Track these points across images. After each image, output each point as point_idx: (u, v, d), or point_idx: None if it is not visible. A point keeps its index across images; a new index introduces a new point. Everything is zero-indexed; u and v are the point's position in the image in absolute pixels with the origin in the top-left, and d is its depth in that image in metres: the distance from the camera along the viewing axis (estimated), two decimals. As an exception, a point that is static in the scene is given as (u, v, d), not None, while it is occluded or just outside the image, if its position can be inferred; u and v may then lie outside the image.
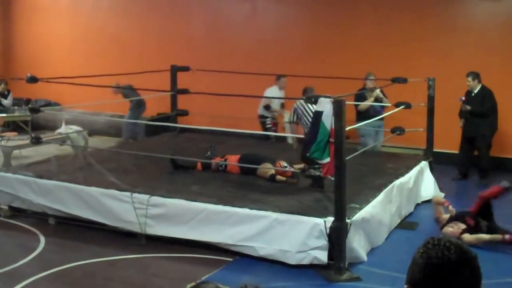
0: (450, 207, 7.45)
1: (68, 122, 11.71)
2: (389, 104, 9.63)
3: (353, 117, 9.48)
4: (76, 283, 5.94)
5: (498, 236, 6.75)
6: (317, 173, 7.43)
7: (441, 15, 11.22)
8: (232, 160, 8.24)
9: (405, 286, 1.74)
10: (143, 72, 10.52)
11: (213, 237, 6.54)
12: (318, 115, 6.61)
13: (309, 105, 7.46)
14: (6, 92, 13.34)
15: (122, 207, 6.96)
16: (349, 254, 6.15)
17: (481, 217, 7.14)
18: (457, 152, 10.21)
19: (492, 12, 10.95)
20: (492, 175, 9.88)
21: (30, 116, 12.43)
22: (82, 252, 6.57)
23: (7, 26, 15.52)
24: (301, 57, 12.03)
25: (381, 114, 9.67)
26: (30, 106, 11.18)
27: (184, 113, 10.84)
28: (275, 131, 10.67)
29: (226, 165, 8.21)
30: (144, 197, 6.91)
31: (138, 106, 12.05)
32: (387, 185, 7.57)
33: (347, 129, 6.41)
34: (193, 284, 1.69)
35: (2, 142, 10.80)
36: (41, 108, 9.35)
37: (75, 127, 11.42)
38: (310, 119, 7.27)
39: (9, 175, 7.91)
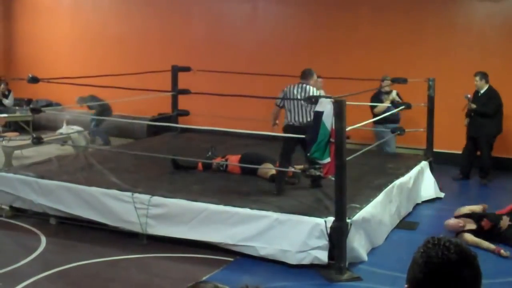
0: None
1: (69, 122, 11.73)
2: (403, 107, 9.62)
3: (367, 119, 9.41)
4: (77, 283, 5.95)
5: (492, 247, 6.75)
6: (318, 173, 7.45)
7: (441, 16, 11.23)
8: (233, 160, 8.26)
9: (406, 285, 1.74)
10: (144, 73, 10.54)
11: (214, 237, 6.55)
12: (318, 115, 6.62)
13: (298, 90, 7.30)
14: (6, 92, 13.37)
15: (123, 207, 6.97)
16: (350, 254, 6.16)
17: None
18: (457, 152, 10.22)
19: (492, 12, 10.96)
20: (495, 176, 9.89)
21: (31, 116, 12.45)
22: (83, 252, 6.58)
23: (8, 26, 15.54)
24: (301, 58, 12.02)
25: (398, 118, 9.66)
26: (31, 106, 11.20)
27: (185, 113, 10.86)
28: None
29: (226, 165, 8.22)
30: (145, 197, 6.92)
31: (101, 114, 12.15)
32: (387, 185, 7.58)
33: (347, 129, 6.41)
34: (192, 284, 1.70)
35: (4, 142, 10.81)
36: (42, 108, 9.35)
37: (76, 127, 11.43)
38: (294, 105, 7.20)
39: (10, 175, 7.92)
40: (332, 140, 6.37)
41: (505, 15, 10.85)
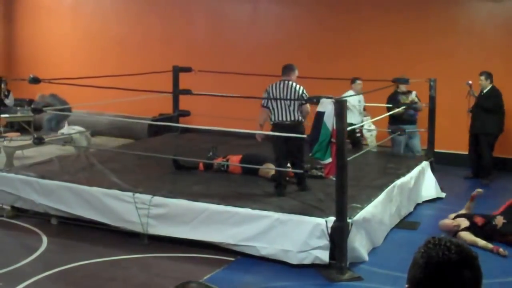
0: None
1: (70, 123, 11.74)
2: (421, 109, 9.59)
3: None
4: (78, 283, 5.95)
5: (490, 246, 6.75)
6: (319, 174, 7.47)
7: (442, 17, 11.23)
8: (234, 161, 8.26)
9: (406, 285, 1.74)
10: (145, 73, 10.56)
11: (215, 237, 6.55)
12: (319, 115, 6.62)
13: (282, 87, 7.21)
14: (6, 93, 13.38)
15: (124, 207, 6.98)
16: (351, 254, 6.16)
17: (507, 217, 7.18)
18: (458, 152, 10.24)
19: (494, 13, 10.96)
20: (496, 176, 9.89)
21: (32, 117, 12.46)
22: (84, 252, 6.58)
23: (10, 26, 15.56)
24: (302, 58, 12.01)
25: (415, 119, 9.63)
26: (32, 106, 11.21)
27: (186, 113, 10.88)
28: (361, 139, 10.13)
29: (228, 166, 8.22)
30: (146, 197, 6.93)
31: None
32: (388, 185, 7.59)
33: (348, 129, 6.42)
34: (180, 283, 1.72)
35: (5, 142, 10.82)
36: (44, 109, 9.36)
37: (78, 128, 11.44)
38: (278, 104, 7.11)
39: (12, 175, 7.93)
40: (333, 140, 6.38)
41: (507, 16, 10.86)
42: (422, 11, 11.33)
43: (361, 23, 11.80)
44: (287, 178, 7.68)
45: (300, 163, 7.20)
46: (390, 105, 9.51)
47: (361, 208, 6.62)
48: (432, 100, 9.35)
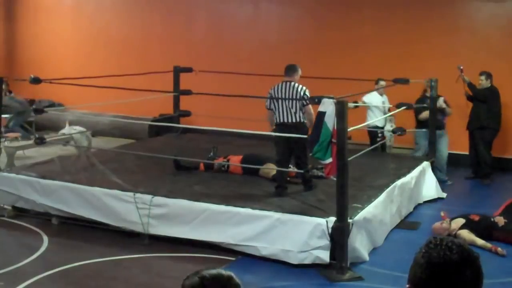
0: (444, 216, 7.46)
1: (71, 123, 11.74)
2: (450, 113, 9.54)
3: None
4: (79, 282, 5.96)
5: (488, 245, 6.76)
6: (320, 173, 7.47)
7: (444, 16, 11.23)
8: (235, 161, 8.27)
9: (407, 285, 1.75)
10: (146, 73, 10.57)
11: (216, 237, 6.56)
12: (320, 115, 6.63)
13: (285, 88, 7.23)
14: (7, 93, 13.37)
15: (125, 207, 6.99)
16: (351, 254, 6.17)
17: (507, 217, 7.20)
18: (459, 152, 10.24)
19: (495, 13, 10.97)
20: (497, 176, 9.88)
21: (33, 117, 12.47)
22: (85, 252, 6.59)
23: (11, 27, 15.57)
24: (303, 58, 12.00)
25: (443, 124, 9.55)
26: (33, 106, 11.21)
27: (187, 113, 10.88)
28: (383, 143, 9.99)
29: (228, 166, 8.23)
30: (147, 197, 6.94)
31: (22, 113, 12.14)
32: (389, 185, 7.59)
33: (349, 129, 6.42)
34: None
35: (6, 142, 10.82)
36: (45, 109, 9.37)
37: (79, 128, 11.44)
38: (279, 105, 7.11)
39: (13, 175, 7.94)
40: (334, 140, 6.38)
41: (509, 16, 10.86)
42: (424, 11, 11.33)
43: (362, 23, 11.80)
44: (288, 179, 7.69)
45: (304, 164, 7.20)
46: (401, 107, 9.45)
47: (362, 208, 6.62)
48: (432, 100, 9.35)
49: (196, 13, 13.55)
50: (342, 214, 6.08)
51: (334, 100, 6.41)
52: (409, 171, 8.44)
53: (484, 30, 10.97)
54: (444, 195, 9.04)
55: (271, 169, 7.84)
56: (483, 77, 9.85)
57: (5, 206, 7.91)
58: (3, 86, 13.00)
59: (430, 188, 8.89)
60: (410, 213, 8.21)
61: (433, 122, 9.43)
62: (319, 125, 6.62)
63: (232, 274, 1.82)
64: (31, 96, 14.19)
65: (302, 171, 7.32)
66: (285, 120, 7.11)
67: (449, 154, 10.02)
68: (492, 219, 7.21)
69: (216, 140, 9.72)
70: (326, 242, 6.08)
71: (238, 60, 12.51)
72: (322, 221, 6.15)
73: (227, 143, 9.80)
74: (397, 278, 5.84)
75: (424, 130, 9.50)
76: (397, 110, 9.04)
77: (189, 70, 10.66)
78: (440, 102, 9.49)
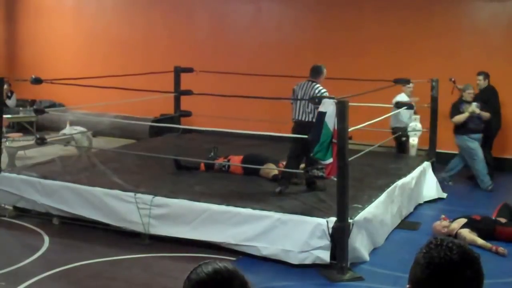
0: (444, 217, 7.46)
1: (72, 123, 11.75)
2: (488, 117, 9.43)
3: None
4: (80, 282, 5.97)
5: (488, 245, 6.77)
6: (320, 174, 7.47)
7: (445, 16, 11.24)
8: (235, 161, 8.27)
9: (408, 286, 1.75)
10: (147, 73, 10.58)
11: (216, 237, 6.57)
12: (321, 116, 6.64)
13: (304, 88, 7.31)
14: (9, 94, 13.40)
15: (126, 207, 7.00)
16: (352, 254, 6.17)
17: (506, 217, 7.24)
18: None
19: (497, 13, 10.97)
20: (497, 176, 9.87)
21: (34, 117, 12.48)
22: (86, 252, 6.60)
23: (12, 27, 15.59)
24: (304, 58, 12.01)
25: (481, 127, 9.40)
26: (34, 107, 11.22)
27: (188, 114, 10.90)
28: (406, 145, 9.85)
29: (229, 166, 8.24)
30: (147, 197, 6.95)
31: None
32: (390, 186, 7.60)
33: (350, 130, 6.43)
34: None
35: (7, 142, 10.83)
36: (46, 109, 9.39)
37: (80, 128, 11.45)
38: (297, 102, 7.22)
39: (14, 175, 7.95)
40: (334, 140, 6.39)
41: (510, 16, 10.86)
42: (424, 11, 11.33)
43: (363, 23, 11.80)
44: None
45: (315, 163, 7.22)
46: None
47: (362, 209, 6.63)
48: (434, 100, 9.36)
49: (197, 14, 13.55)
50: (343, 214, 6.09)
51: (335, 100, 6.41)
52: (409, 171, 8.45)
53: (485, 30, 10.97)
54: (444, 195, 9.04)
55: (271, 169, 7.85)
56: (481, 77, 9.85)
57: (6, 206, 7.92)
58: (5, 87, 13.05)
59: (431, 188, 8.90)
60: (411, 213, 8.22)
61: (434, 122, 9.44)
62: (320, 125, 6.62)
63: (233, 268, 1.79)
64: (32, 97, 14.22)
65: (302, 171, 7.33)
66: (300, 119, 7.23)
67: (449, 154, 10.04)
68: (493, 218, 7.24)
69: (217, 140, 9.73)
70: (326, 242, 6.09)
71: (239, 61, 12.52)
72: (322, 221, 6.16)
73: (228, 143, 9.81)
74: (398, 278, 5.85)
75: (465, 136, 9.38)
76: (397, 110, 9.04)
77: (189, 70, 10.67)
78: (473, 108, 9.31)
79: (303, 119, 7.22)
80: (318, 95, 7.09)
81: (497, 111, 9.95)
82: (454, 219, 7.28)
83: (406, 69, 10.26)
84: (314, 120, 7.09)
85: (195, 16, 13.56)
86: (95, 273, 6.14)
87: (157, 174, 8.10)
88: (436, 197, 8.91)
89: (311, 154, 6.75)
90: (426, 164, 9.07)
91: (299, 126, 7.21)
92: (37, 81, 8.33)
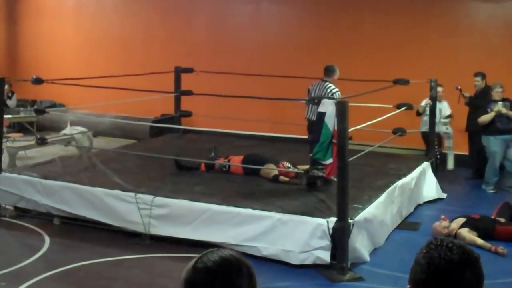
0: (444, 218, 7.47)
1: (73, 123, 11.77)
2: None
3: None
4: (81, 283, 5.98)
5: (488, 245, 6.78)
6: (320, 174, 7.48)
7: (443, 17, 11.25)
8: (236, 161, 8.28)
9: (408, 286, 1.76)
10: (147, 74, 10.59)
11: (217, 237, 6.57)
12: (321, 116, 6.65)
13: (316, 87, 7.55)
14: (10, 94, 13.41)
15: (126, 208, 7.01)
16: (352, 254, 6.18)
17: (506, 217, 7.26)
18: (459, 153, 10.25)
19: (495, 14, 10.98)
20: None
21: (35, 117, 12.50)
22: (87, 252, 6.61)
23: (12, 28, 15.60)
24: (304, 59, 12.06)
25: (510, 127, 9.17)
26: (35, 107, 11.24)
27: (188, 114, 10.91)
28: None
29: (229, 166, 8.24)
30: (148, 197, 6.96)
31: None
32: (389, 186, 7.60)
33: (350, 130, 6.44)
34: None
35: (8, 143, 10.84)
36: (46, 109, 9.40)
37: (80, 128, 11.47)
38: (308, 102, 7.38)
39: (14, 175, 7.96)
40: (334, 141, 6.40)
41: (508, 17, 10.87)
42: (423, 12, 11.34)
43: (362, 23, 11.82)
44: (288, 179, 7.71)
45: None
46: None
47: (362, 209, 6.64)
48: (433, 100, 9.37)
49: (197, 14, 13.57)
50: (343, 214, 6.10)
51: (334, 101, 6.42)
52: (409, 172, 8.46)
53: (483, 31, 10.99)
54: (444, 195, 9.05)
55: (271, 169, 7.86)
56: (478, 78, 9.84)
57: (7, 206, 7.94)
58: (6, 87, 13.06)
59: (430, 188, 8.91)
60: (411, 214, 8.22)
61: (432, 121, 9.45)
62: (320, 126, 6.64)
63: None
64: (33, 97, 14.23)
65: (302, 171, 7.35)
66: (312, 118, 7.37)
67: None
68: (492, 218, 7.26)
69: (217, 140, 9.74)
70: (327, 242, 6.10)
71: (238, 61, 12.53)
72: (323, 221, 6.17)
73: (228, 144, 9.81)
74: (398, 279, 5.86)
75: (490, 136, 9.24)
76: (398, 111, 9.04)
77: (190, 70, 10.69)
78: (499, 107, 9.10)
79: (309, 117, 7.49)
80: (329, 94, 7.26)
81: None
82: (453, 219, 7.29)
83: (405, 70, 10.26)
84: None
85: (195, 17, 13.57)
86: (96, 273, 6.15)
87: (157, 175, 8.11)
88: (436, 197, 8.92)
89: (311, 155, 6.76)
90: (426, 165, 9.08)
91: (312, 125, 7.36)
92: (38, 81, 8.35)
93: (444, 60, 10.99)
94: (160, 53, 13.43)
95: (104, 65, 13.64)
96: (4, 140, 8.93)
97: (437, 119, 9.65)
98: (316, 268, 6.18)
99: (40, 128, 13.10)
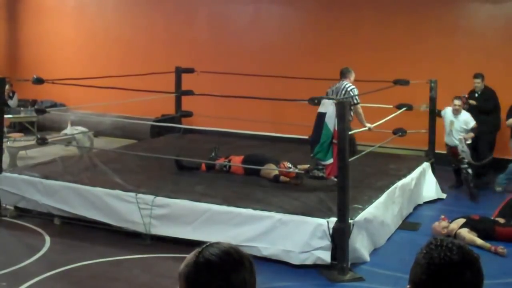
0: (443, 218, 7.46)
1: (73, 123, 11.78)
2: None
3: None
4: (81, 283, 5.99)
5: (487, 245, 6.79)
6: (321, 174, 7.49)
7: (443, 18, 11.25)
8: (236, 161, 8.29)
9: (408, 286, 1.76)
10: (148, 74, 10.60)
11: (217, 237, 6.54)
12: (321, 116, 6.66)
13: (333, 88, 7.78)
14: (11, 94, 13.42)
15: (127, 208, 7.02)
16: (352, 255, 6.19)
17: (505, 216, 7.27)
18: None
19: (494, 14, 10.98)
20: (493, 176, 9.86)
21: (36, 117, 12.51)
22: (87, 252, 6.62)
23: (13, 27, 15.61)
24: (304, 59, 12.07)
25: None
26: (36, 107, 11.24)
27: (188, 114, 10.92)
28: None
29: (230, 166, 8.25)
30: (148, 197, 6.96)
31: None
32: (390, 186, 7.61)
33: (358, 131, 6.45)
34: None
35: (8, 143, 10.86)
36: (47, 109, 9.41)
37: (81, 128, 11.48)
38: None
39: (15, 175, 7.97)
40: (334, 141, 6.40)
41: (507, 18, 10.87)
42: (423, 12, 11.35)
43: (362, 24, 11.82)
44: (289, 179, 7.71)
45: None
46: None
47: (363, 209, 6.64)
48: (432, 101, 9.37)
49: (198, 14, 13.57)
50: (343, 214, 6.11)
51: (334, 101, 6.43)
52: (409, 172, 8.47)
53: (483, 32, 10.99)
54: (444, 196, 9.05)
55: (272, 169, 7.86)
56: (479, 80, 9.82)
57: (8, 206, 7.94)
58: (7, 87, 13.07)
59: (430, 189, 8.91)
60: (410, 214, 8.23)
61: (433, 123, 9.44)
62: (320, 126, 6.65)
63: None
64: (34, 97, 14.24)
65: (302, 171, 7.35)
66: None
67: (444, 154, 10.03)
68: (492, 218, 7.27)
69: (218, 140, 9.74)
70: (327, 242, 6.11)
71: (239, 61, 12.54)
72: (323, 221, 6.17)
73: (229, 144, 9.81)
74: (398, 279, 5.87)
75: None
76: (398, 112, 9.05)
77: (190, 70, 10.70)
78: None
79: None
80: (348, 90, 7.78)
81: (494, 112, 9.93)
82: (453, 220, 7.30)
83: (405, 71, 10.27)
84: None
85: (196, 17, 13.58)
86: (96, 273, 6.15)
87: (158, 174, 8.11)
88: (436, 197, 8.92)
89: (311, 155, 6.77)
90: (426, 165, 9.08)
91: None
92: (39, 81, 8.35)
93: (444, 61, 10.99)
94: (160, 53, 13.44)
95: (104, 65, 13.65)
96: (4, 140, 8.94)
97: (454, 133, 9.03)
98: (316, 268, 6.18)
99: (41, 128, 13.11)
